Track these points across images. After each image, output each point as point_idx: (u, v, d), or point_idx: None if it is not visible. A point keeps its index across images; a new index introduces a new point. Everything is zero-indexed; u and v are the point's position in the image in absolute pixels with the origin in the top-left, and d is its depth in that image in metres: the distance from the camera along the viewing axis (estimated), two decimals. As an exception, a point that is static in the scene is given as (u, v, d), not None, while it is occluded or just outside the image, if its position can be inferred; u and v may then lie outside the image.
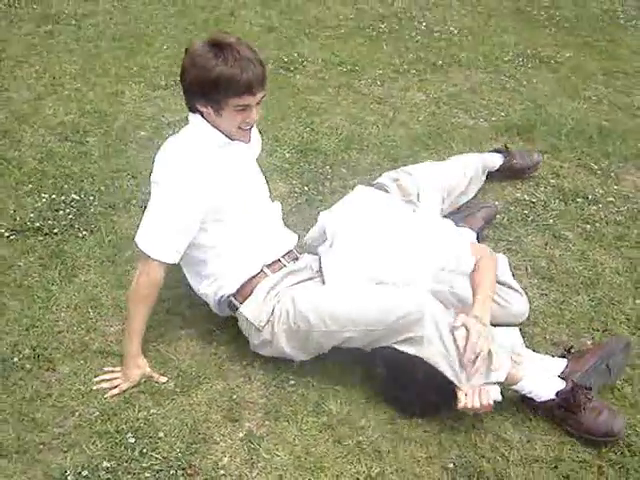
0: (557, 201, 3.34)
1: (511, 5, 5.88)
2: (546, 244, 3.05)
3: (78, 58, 4.56)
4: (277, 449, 2.09)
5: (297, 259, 2.44)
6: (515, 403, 2.27)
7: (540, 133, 3.92)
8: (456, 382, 2.10)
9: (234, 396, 2.25)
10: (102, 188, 3.24)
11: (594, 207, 3.30)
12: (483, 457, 2.12)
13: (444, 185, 2.99)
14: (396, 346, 2.12)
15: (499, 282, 2.48)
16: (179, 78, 2.20)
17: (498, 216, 3.16)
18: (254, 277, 2.30)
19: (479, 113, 4.16)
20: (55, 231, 2.94)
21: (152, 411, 2.19)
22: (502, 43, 5.12)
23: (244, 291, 2.29)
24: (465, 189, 3.12)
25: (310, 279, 2.37)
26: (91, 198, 3.15)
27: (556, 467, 2.10)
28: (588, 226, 3.16)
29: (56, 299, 2.61)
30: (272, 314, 2.24)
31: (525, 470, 2.09)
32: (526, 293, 2.66)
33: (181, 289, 2.61)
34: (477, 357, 2.09)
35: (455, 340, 2.10)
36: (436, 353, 2.09)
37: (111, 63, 4.51)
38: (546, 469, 2.10)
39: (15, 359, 2.34)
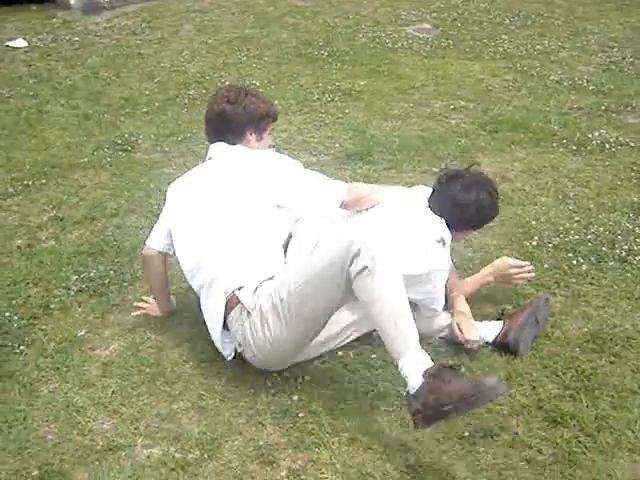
0: (424, 205, 3.81)
1: (292, 51, 6.40)
2: (435, 241, 3.49)
3: None
4: (323, 473, 2.28)
5: None
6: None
7: (377, 155, 4.41)
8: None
9: (260, 443, 2.39)
10: (12, 302, 3.17)
11: (455, 202, 3.82)
12: (483, 418, 2.46)
13: None
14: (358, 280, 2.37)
15: None
16: (215, 121, 2.85)
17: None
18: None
19: (317, 150, 4.57)
20: (-11, 355, 2.86)
21: (191, 482, 2.27)
22: (303, 86, 5.60)
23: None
24: None
25: None
26: (7, 314, 3.07)
27: (540, 407, 2.51)
28: (459, 218, 3.66)
29: (32, 417, 2.55)
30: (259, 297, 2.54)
31: (520, 418, 2.47)
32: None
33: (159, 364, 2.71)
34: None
35: None
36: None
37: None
38: (534, 410, 2.50)
39: (26, 484, 2.29)
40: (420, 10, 7.41)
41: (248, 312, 2.53)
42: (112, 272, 3.33)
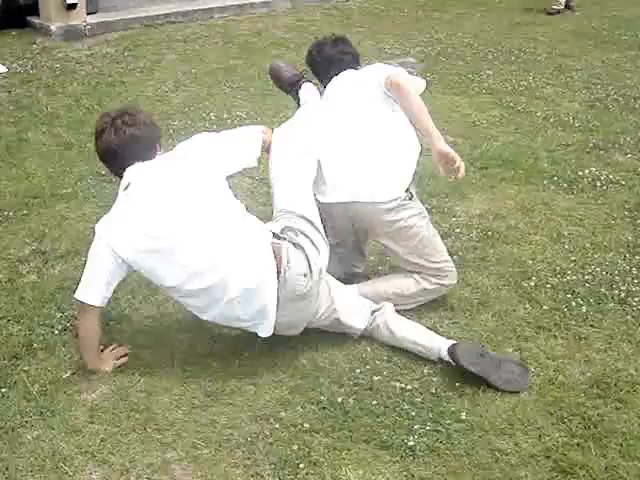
0: (418, 242, 3.74)
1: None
2: (430, 280, 3.42)
3: None
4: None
5: None
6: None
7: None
8: None
9: None
10: (-9, 343, 3.04)
11: (449, 240, 3.74)
12: (491, 468, 2.39)
13: None
14: None
15: None
16: (126, 147, 2.75)
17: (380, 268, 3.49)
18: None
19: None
20: (-30, 399, 2.71)
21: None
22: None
23: None
24: None
25: None
26: (-14, 356, 2.94)
27: (549, 457, 2.44)
28: (455, 257, 3.57)
29: (16, 466, 2.41)
30: None
31: (529, 468, 2.40)
32: (439, 328, 3.04)
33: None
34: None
35: None
36: None
37: None
38: (543, 460, 2.43)
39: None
40: (403, 44, 7.42)
41: (301, 233, 2.80)
42: (98, 310, 3.21)
